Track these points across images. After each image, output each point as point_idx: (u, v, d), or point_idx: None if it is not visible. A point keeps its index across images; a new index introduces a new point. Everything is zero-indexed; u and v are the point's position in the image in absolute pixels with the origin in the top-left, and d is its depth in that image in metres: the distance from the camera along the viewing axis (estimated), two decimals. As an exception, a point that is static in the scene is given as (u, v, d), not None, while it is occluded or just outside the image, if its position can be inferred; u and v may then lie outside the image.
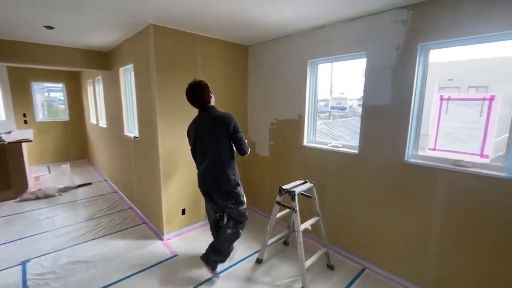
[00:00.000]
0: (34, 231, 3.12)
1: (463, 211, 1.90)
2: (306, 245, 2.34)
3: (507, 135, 1.72)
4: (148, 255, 2.64)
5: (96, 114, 5.37)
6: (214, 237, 2.46)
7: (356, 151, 2.48)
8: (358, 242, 2.55)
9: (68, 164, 4.98)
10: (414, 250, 2.17)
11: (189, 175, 3.03)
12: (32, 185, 4.40)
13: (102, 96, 4.76)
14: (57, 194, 4.29)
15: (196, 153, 2.26)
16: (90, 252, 2.69)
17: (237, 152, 2.22)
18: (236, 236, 2.30)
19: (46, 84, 6.41)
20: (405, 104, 2.10)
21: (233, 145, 2.17)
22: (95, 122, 5.51)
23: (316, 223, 2.39)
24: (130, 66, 3.29)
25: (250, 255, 2.65)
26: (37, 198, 4.12)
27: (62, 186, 4.47)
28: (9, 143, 4.03)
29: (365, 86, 2.35)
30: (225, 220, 2.41)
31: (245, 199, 2.28)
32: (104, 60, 4.12)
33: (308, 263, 2.19)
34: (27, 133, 4.91)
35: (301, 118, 2.92)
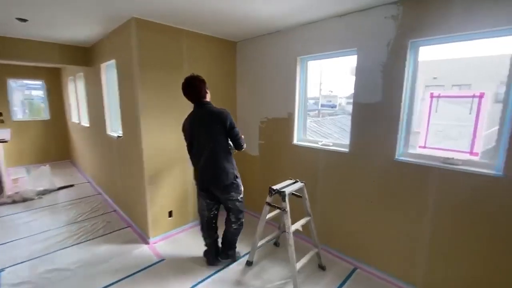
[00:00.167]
0: (9, 238, 2.93)
1: (454, 209, 1.89)
2: (297, 245, 2.30)
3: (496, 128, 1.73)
4: (133, 260, 2.53)
5: (78, 112, 5.14)
6: (205, 237, 2.44)
7: (346, 150, 2.44)
8: (349, 241, 2.53)
9: (48, 165, 4.74)
10: (405, 249, 2.16)
11: (176, 176, 2.92)
12: (9, 188, 4.14)
13: (83, 94, 4.55)
14: (36, 197, 4.07)
15: (192, 149, 2.25)
16: (71, 259, 2.55)
17: (233, 147, 2.26)
18: (241, 226, 2.42)
19: (26, 82, 6.06)
20: (396, 102, 2.08)
21: (229, 140, 2.21)
22: (77, 121, 5.28)
23: (307, 223, 2.35)
24: (112, 62, 3.13)
25: (240, 258, 2.58)
26: (14, 202, 3.90)
27: (41, 188, 4.25)
28: (-18, 144, 3.79)
29: (355, 83, 2.31)
30: (225, 217, 2.42)
31: (242, 189, 2.34)
32: (85, 55, 3.92)
33: (299, 264, 2.15)
34: (4, 132, 4.62)
35: (291, 116, 2.86)
